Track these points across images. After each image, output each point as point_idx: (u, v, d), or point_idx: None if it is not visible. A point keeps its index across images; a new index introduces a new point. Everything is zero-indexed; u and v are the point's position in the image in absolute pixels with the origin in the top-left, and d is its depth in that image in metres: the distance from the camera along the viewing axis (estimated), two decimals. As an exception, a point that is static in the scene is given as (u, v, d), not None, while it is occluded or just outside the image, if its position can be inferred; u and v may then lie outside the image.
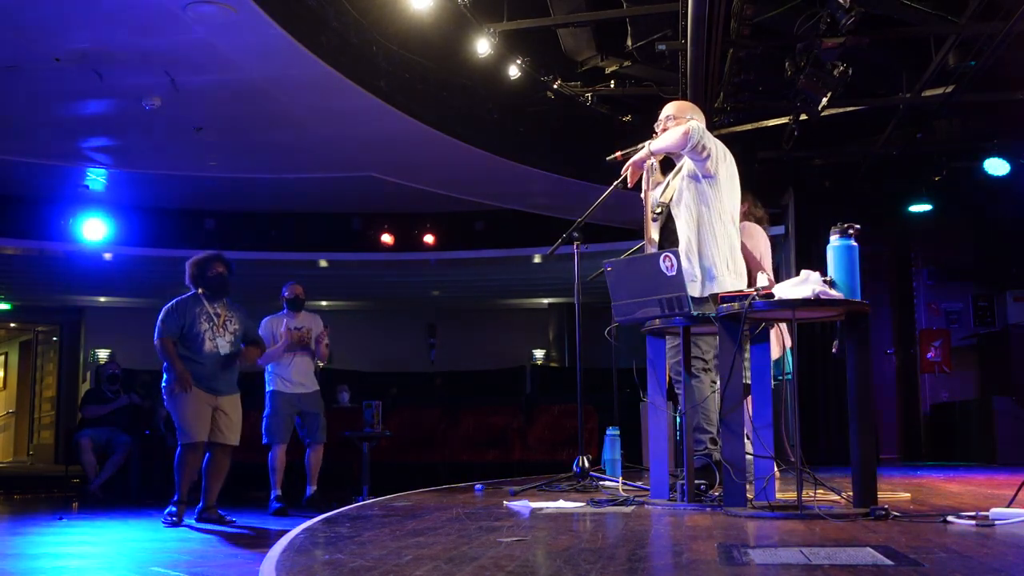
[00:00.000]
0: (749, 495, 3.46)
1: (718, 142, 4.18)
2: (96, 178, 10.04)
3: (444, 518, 3.44)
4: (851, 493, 3.42)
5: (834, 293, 3.35)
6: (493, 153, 8.80)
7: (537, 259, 11.83)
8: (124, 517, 6.53)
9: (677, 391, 4.10)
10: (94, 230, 10.76)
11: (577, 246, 4.91)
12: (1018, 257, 9.82)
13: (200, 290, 5.87)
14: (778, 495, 3.68)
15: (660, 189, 4.35)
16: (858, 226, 3.45)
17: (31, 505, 8.25)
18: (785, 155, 9.37)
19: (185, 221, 11.44)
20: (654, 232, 4.30)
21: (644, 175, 4.34)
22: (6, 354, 17.04)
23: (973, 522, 2.89)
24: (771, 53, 7.33)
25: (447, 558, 2.35)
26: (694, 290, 3.95)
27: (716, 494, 3.72)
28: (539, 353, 16.02)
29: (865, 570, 2.08)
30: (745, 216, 5.06)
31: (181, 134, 8.54)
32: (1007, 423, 8.78)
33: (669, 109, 4.43)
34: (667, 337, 4.09)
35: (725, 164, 4.15)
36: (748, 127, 8.85)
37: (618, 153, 4.37)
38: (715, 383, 3.97)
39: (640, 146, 4.30)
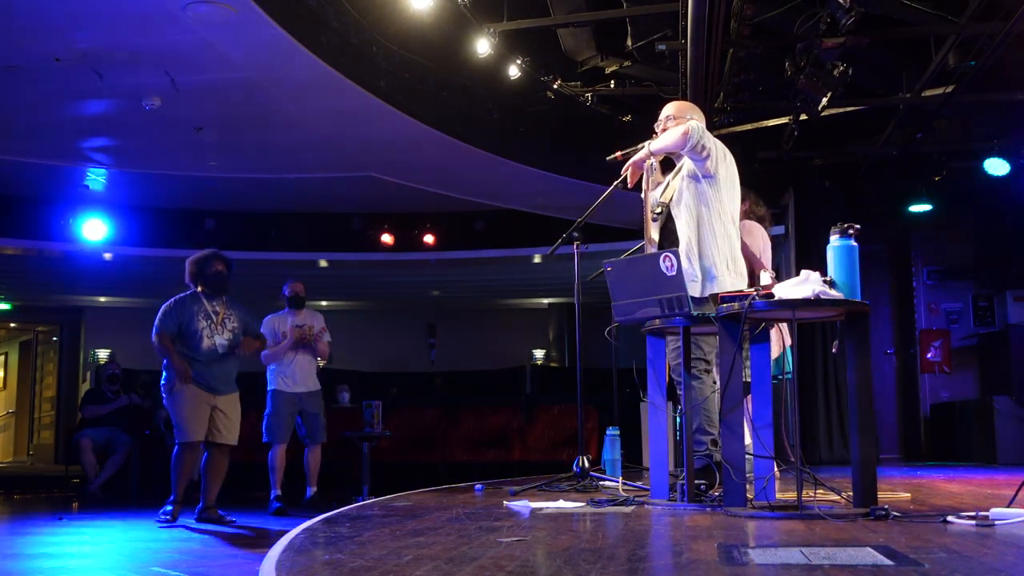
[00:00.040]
0: (749, 495, 3.47)
1: (718, 142, 4.17)
2: (96, 178, 10.04)
3: (444, 518, 3.44)
4: (851, 493, 3.42)
5: (834, 293, 3.35)
6: (493, 153, 8.79)
7: (537, 259, 11.82)
8: (124, 517, 6.52)
9: (679, 391, 4.10)
10: (94, 230, 10.76)
11: (577, 246, 4.91)
12: (1018, 257, 9.82)
13: (199, 288, 5.87)
14: (778, 495, 3.68)
15: (660, 189, 4.35)
16: (858, 226, 3.45)
17: (31, 505, 8.24)
18: (785, 155, 9.38)
19: (185, 221, 11.43)
20: (654, 232, 4.30)
21: (644, 175, 4.34)
22: (6, 354, 17.03)
23: (973, 522, 2.88)
24: (771, 53, 7.34)
25: (447, 558, 2.35)
26: (694, 290, 3.95)
27: (716, 494, 3.72)
28: (539, 353, 16.00)
29: (865, 570, 2.08)
30: (746, 215, 5.07)
31: (181, 134, 8.53)
32: (1007, 423, 8.78)
33: (669, 109, 4.43)
34: (668, 337, 4.09)
35: (725, 164, 4.15)
36: (748, 127, 8.85)
37: (618, 153, 4.37)
38: (716, 383, 3.97)
39: (640, 146, 4.30)
